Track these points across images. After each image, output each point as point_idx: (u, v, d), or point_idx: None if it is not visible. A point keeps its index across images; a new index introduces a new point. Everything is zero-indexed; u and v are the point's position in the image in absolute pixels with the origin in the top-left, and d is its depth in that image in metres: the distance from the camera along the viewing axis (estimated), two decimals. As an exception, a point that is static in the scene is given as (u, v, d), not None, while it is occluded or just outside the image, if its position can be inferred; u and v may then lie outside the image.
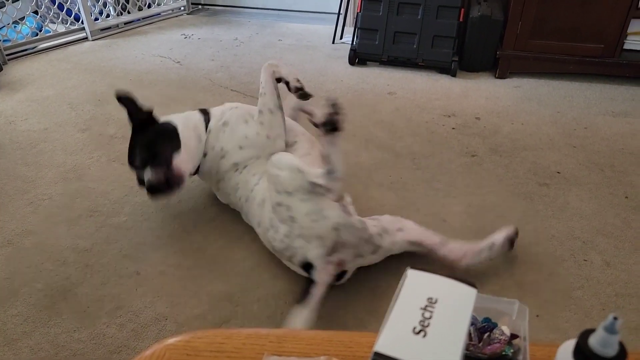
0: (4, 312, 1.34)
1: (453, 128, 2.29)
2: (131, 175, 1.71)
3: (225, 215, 1.71)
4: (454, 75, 2.82)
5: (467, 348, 0.54)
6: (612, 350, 0.38)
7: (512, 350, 0.55)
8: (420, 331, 0.38)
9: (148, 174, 1.46)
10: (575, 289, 1.41)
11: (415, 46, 2.81)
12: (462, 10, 2.73)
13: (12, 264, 1.49)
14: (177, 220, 1.69)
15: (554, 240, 1.62)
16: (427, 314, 0.40)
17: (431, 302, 0.41)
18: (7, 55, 2.81)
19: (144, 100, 2.45)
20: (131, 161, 1.54)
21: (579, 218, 1.71)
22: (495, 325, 0.57)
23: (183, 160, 1.51)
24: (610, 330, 0.38)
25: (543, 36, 2.67)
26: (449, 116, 2.40)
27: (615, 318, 0.38)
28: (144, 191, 1.50)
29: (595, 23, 2.57)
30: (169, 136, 1.55)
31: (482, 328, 0.56)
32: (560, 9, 2.58)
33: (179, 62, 2.95)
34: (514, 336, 0.56)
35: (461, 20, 2.74)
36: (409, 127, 2.30)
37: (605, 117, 2.38)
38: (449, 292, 0.42)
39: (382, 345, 0.38)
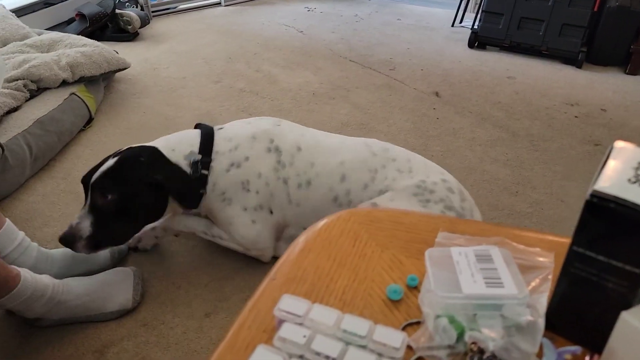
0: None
1: (576, 116, 2.22)
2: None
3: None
4: (579, 66, 2.71)
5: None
6: None
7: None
8: (635, 182, 0.42)
9: (83, 222, 1.13)
10: None
11: (541, 33, 2.73)
12: (599, -1, 2.61)
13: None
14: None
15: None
16: (639, 172, 0.44)
17: (642, 165, 0.45)
18: (152, 12, 3.10)
19: (270, 62, 2.61)
20: (91, 181, 1.14)
21: None
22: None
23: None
24: None
25: (687, 33, 2.49)
26: (572, 105, 2.32)
27: None
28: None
29: None
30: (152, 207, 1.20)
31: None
32: None
33: (302, 31, 3.08)
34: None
35: (596, 9, 2.62)
36: (528, 110, 2.26)
37: None
38: (657, 161, 0.45)
39: (600, 186, 0.42)
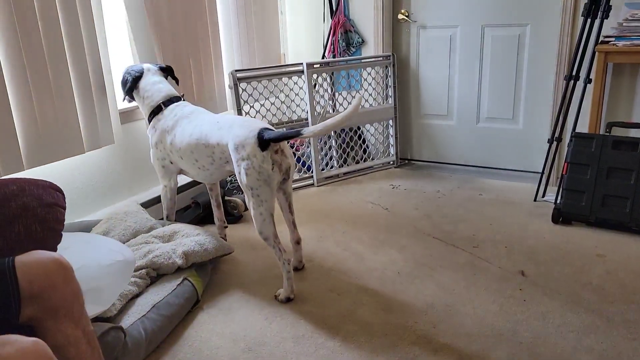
0: None
1: (676, 300, 2.11)
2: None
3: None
4: (675, 242, 2.62)
5: None
6: None
7: None
8: None
9: None
10: None
11: (627, 210, 2.73)
12: (684, 176, 2.61)
13: None
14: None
15: None
16: None
17: None
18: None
19: (357, 240, 2.81)
20: None
21: None
22: None
23: None
24: None
25: None
26: (671, 286, 2.22)
27: None
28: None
29: None
30: None
31: None
32: None
33: (387, 208, 3.31)
34: None
35: (682, 186, 2.61)
36: (622, 293, 2.19)
37: None
38: None
39: None
